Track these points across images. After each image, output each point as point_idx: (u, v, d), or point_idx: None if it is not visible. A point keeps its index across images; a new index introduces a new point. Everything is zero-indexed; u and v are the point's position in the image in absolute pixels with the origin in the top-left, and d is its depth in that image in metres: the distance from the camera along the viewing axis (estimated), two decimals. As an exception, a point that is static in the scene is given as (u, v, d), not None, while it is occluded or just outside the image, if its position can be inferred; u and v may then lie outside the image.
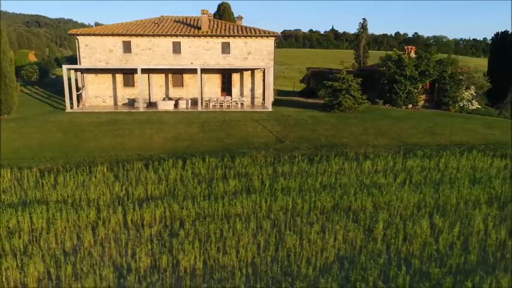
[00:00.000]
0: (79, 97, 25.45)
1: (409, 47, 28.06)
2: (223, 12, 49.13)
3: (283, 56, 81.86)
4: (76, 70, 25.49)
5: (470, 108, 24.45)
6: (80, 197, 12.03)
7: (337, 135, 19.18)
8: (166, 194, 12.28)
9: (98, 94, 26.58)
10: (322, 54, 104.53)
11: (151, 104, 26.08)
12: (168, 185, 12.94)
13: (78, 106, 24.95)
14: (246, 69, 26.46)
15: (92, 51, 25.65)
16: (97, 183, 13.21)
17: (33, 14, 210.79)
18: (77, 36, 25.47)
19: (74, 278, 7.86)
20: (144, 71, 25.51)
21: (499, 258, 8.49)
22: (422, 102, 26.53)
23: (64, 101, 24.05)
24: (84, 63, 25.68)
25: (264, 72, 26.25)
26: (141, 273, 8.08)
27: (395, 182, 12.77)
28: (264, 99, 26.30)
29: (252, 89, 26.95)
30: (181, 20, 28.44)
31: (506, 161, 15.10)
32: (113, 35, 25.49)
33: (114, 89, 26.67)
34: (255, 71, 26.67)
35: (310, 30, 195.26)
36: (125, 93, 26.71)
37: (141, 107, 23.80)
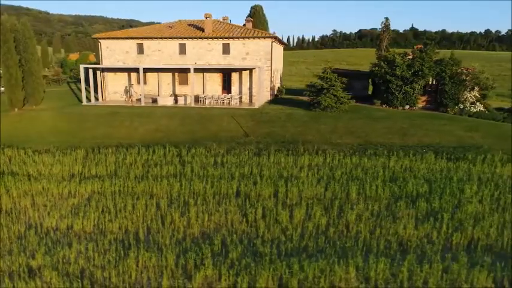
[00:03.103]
0: (103, 92, 29.39)
1: (419, 46, 26.88)
2: (253, 15, 50.93)
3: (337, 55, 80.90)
4: (97, 69, 29.28)
5: (472, 110, 22.74)
6: (44, 172, 14.65)
7: (305, 132, 19.64)
8: (110, 174, 14.33)
9: (116, 90, 30.13)
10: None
11: (156, 100, 28.86)
12: (117, 167, 15.01)
13: (101, 100, 28.73)
14: (245, 69, 27.81)
15: (112, 52, 29.23)
16: (66, 163, 15.79)
17: (128, 18, 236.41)
18: (100, 40, 29.24)
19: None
20: (153, 70, 28.36)
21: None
22: (423, 103, 25.29)
23: (92, 95, 28.06)
24: (105, 63, 29.38)
25: (261, 72, 27.33)
26: (52, 226, 10.12)
27: (307, 176, 13.20)
28: (249, 97, 27.40)
29: (250, 88, 28.20)
30: (193, 24, 30.80)
31: (457, 164, 14.39)
32: (128, 38, 28.76)
33: (129, 86, 29.97)
34: (253, 70, 27.89)
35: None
36: (138, 90, 29.89)
37: (142, 102, 26.60)
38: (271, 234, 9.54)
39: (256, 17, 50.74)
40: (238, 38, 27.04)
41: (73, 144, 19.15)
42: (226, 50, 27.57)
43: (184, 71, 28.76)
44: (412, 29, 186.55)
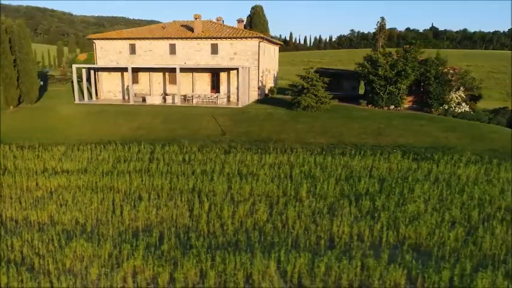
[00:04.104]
0: (98, 91, 30.23)
1: (408, 46, 26.64)
2: (253, 15, 51.17)
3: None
4: (91, 69, 30.14)
5: (457, 111, 22.43)
6: (20, 166, 15.33)
7: (281, 132, 19.84)
8: (80, 169, 14.90)
9: (110, 89, 30.93)
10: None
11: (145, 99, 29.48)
12: (88, 163, 15.58)
13: (95, 99, 29.57)
14: (233, 69, 28.13)
15: (106, 53, 30.02)
16: (44, 159, 16.46)
17: (149, 19, 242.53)
18: (94, 40, 30.08)
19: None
20: (145, 69, 29.02)
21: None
22: (410, 103, 25.08)
23: (89, 93, 28.94)
24: (100, 63, 30.20)
25: (248, 72, 27.62)
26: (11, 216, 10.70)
27: (265, 174, 13.42)
28: (237, 96, 27.60)
29: (238, 87, 28.49)
30: (185, 24, 31.30)
31: (420, 164, 14.35)
32: (121, 38, 29.49)
33: (123, 85, 30.73)
34: (242, 70, 28.15)
35: (407, 29, 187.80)
36: (127, 89, 30.61)
37: (131, 100, 27.26)
38: (209, 228, 9.85)
39: (256, 18, 50.93)
40: (226, 38, 27.39)
41: (57, 141, 19.87)
42: (214, 50, 27.97)
43: (175, 70, 29.17)
44: (432, 28, 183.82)
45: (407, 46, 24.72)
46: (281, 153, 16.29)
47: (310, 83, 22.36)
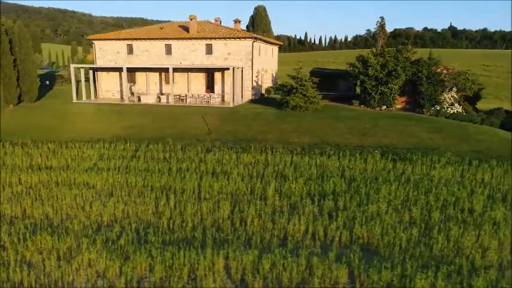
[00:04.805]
0: (97, 90, 30.95)
1: (401, 46, 26.33)
2: (255, 16, 51.40)
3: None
4: (91, 69, 30.86)
5: (449, 112, 22.08)
6: (7, 162, 15.89)
7: (267, 131, 19.94)
8: (62, 166, 15.35)
9: (109, 89, 31.60)
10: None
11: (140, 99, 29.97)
12: (72, 160, 16.02)
13: (93, 98, 30.28)
14: (227, 69, 28.35)
15: (105, 53, 30.68)
16: (32, 155, 17.00)
17: (166, 20, 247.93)
18: (93, 41, 30.78)
19: None
20: (142, 69, 29.54)
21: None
22: (403, 104, 24.81)
23: (89, 93, 29.69)
24: (99, 63, 30.89)
25: (242, 72, 27.81)
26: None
27: (238, 173, 13.57)
28: (231, 96, 27.76)
29: (232, 87, 28.70)
30: (182, 25, 31.71)
31: (396, 164, 14.25)
32: (119, 39, 30.09)
33: (121, 84, 31.33)
34: (228, 70, 28.36)
35: (425, 28, 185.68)
36: (128, 88, 31.18)
37: (126, 100, 27.80)
38: (169, 224, 10.07)
39: (259, 18, 51.13)
40: (220, 38, 27.65)
41: (49, 139, 20.44)
42: (209, 50, 28.26)
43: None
44: (451, 27, 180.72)
45: (401, 46, 24.44)
46: (261, 152, 16.41)
47: (300, 83, 22.39)
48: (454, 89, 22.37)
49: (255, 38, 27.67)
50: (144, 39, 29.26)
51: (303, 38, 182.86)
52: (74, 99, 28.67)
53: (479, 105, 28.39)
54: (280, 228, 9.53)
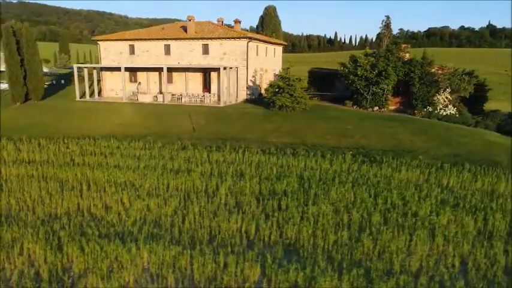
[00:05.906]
0: (102, 90, 32.20)
1: (403, 45, 25.62)
2: (265, 16, 51.40)
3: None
4: (95, 68, 32.08)
5: (442, 113, 21.24)
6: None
7: (248, 131, 20.03)
8: (42, 161, 16.15)
9: (112, 88, 32.72)
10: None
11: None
12: (53, 155, 16.82)
13: (97, 97, 31.50)
14: (223, 68, 28.60)
15: (108, 53, 31.81)
16: (21, 150, 18.00)
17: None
18: (98, 42, 31.99)
19: None
20: (142, 69, 30.40)
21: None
22: (397, 104, 24.12)
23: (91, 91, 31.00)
24: (103, 63, 32.06)
25: (236, 71, 28.00)
26: None
27: (200, 171, 13.77)
28: (224, 95, 27.94)
29: (228, 87, 28.95)
30: (183, 26, 32.30)
31: (362, 166, 13.97)
32: (122, 39, 31.11)
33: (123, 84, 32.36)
34: (221, 70, 28.57)
35: (462, 27, 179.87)
36: (130, 88, 32.16)
37: (124, 98, 28.69)
38: (113, 219, 10.42)
39: (268, 18, 51.06)
40: (216, 38, 27.98)
41: (44, 135, 21.53)
42: (206, 50, 28.67)
43: (169, 70, 30.36)
44: (489, 26, 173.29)
45: (394, 45, 23.75)
46: (234, 151, 16.54)
47: (287, 83, 22.30)
48: (448, 89, 21.49)
49: (250, 38, 27.78)
50: (145, 39, 30.11)
51: (332, 37, 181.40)
52: (77, 98, 29.95)
53: (487, 106, 27.08)
54: (214, 227, 9.64)
